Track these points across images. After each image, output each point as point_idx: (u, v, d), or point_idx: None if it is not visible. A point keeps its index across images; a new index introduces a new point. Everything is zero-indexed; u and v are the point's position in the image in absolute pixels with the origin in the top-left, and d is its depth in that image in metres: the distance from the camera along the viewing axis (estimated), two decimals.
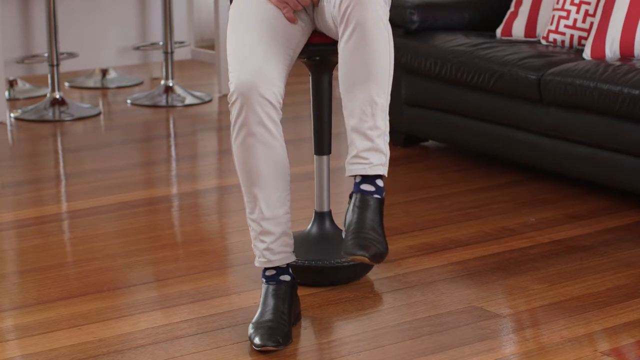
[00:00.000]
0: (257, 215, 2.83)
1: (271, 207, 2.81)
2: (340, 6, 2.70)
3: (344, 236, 2.69)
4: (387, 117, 2.75)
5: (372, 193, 2.73)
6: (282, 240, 2.84)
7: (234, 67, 2.76)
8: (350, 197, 2.76)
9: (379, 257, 2.64)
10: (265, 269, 2.87)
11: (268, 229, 2.83)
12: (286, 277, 2.86)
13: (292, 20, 2.86)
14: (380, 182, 2.75)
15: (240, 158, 2.80)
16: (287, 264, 2.88)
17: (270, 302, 2.82)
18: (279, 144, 2.78)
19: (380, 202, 2.74)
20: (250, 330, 2.76)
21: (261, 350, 2.72)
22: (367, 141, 2.72)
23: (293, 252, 2.89)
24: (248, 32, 2.82)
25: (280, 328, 2.75)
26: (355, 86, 2.72)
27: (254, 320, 2.79)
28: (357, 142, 2.72)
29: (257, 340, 2.71)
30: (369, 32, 2.68)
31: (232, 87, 2.74)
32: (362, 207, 2.71)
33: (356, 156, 2.73)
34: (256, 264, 2.87)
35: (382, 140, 2.74)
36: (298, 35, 2.89)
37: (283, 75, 2.78)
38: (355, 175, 2.74)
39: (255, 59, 2.75)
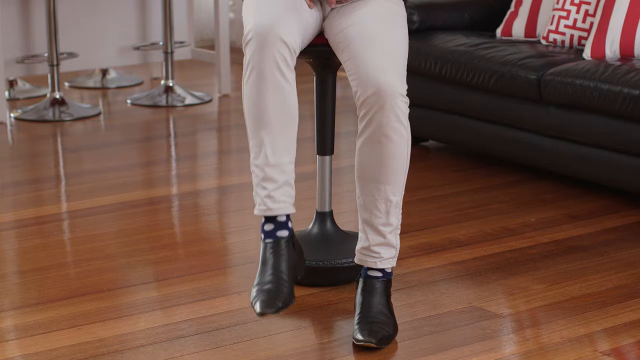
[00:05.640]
0: (261, 161, 2.75)
1: (277, 154, 2.75)
2: (363, 104, 2.74)
3: (354, 319, 2.84)
4: (400, 212, 2.86)
5: (378, 278, 2.88)
6: (284, 189, 2.77)
7: (253, 13, 2.74)
8: (358, 281, 2.91)
9: (386, 340, 2.78)
10: (264, 223, 2.78)
11: (271, 176, 2.75)
12: (284, 233, 2.78)
13: (309, 6, 2.86)
14: (388, 268, 2.89)
15: (250, 99, 2.75)
16: (287, 217, 2.80)
17: (269, 261, 2.75)
18: (291, 90, 2.74)
19: (387, 282, 2.89)
20: (252, 295, 2.70)
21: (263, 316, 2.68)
22: (379, 237, 2.85)
23: (293, 204, 2.81)
24: None
25: (280, 290, 2.69)
26: (371, 183, 2.81)
27: (255, 282, 2.73)
28: (369, 236, 2.86)
29: (257, 308, 2.66)
30: (388, 137, 2.75)
31: (248, 27, 2.71)
32: (369, 291, 2.86)
33: (367, 249, 2.87)
34: (255, 212, 2.78)
35: (394, 235, 2.87)
36: (312, 20, 2.89)
37: (301, 33, 2.77)
38: None
39: (276, 8, 2.74)
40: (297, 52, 2.74)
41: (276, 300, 2.67)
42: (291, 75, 2.73)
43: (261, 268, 2.75)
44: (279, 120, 2.74)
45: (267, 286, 2.70)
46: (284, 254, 2.77)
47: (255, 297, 2.69)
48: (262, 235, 2.80)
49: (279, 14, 2.72)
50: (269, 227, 2.78)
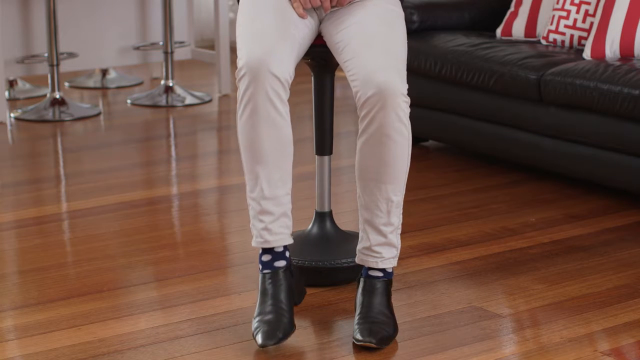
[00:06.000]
0: (257, 194, 2.80)
1: (272, 187, 2.78)
2: (364, 104, 2.74)
3: (355, 319, 2.83)
4: (401, 211, 2.86)
5: (379, 277, 2.88)
6: (281, 221, 2.81)
7: (245, 43, 2.76)
8: (358, 281, 2.90)
9: (386, 340, 2.77)
10: (262, 253, 2.83)
11: (267, 209, 2.79)
12: (281, 263, 2.82)
13: (302, 16, 2.87)
14: (389, 268, 2.89)
15: (245, 135, 2.78)
16: (284, 247, 2.84)
17: (268, 292, 2.79)
18: (285, 123, 2.76)
19: (388, 282, 2.89)
20: (254, 326, 2.75)
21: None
22: (381, 236, 2.86)
23: (291, 234, 2.85)
24: (261, 16, 2.82)
25: (281, 320, 2.74)
26: (372, 182, 2.82)
27: (255, 313, 2.78)
28: (370, 236, 2.86)
29: (258, 340, 2.71)
30: (390, 137, 2.75)
31: (241, 62, 2.72)
32: (370, 291, 2.86)
33: (369, 249, 2.87)
34: (253, 244, 2.83)
35: (395, 235, 2.87)
36: (307, 31, 2.89)
37: (293, 59, 2.78)
38: None
39: (267, 38, 2.75)
40: (291, 81, 2.75)
41: (277, 331, 2.72)
42: (284, 109, 2.75)
43: (261, 299, 2.80)
44: (273, 154, 2.77)
45: (268, 317, 2.75)
46: (282, 283, 2.81)
47: (257, 328, 2.74)
48: (260, 266, 2.84)
49: (271, 43, 2.73)
50: (266, 258, 2.83)
